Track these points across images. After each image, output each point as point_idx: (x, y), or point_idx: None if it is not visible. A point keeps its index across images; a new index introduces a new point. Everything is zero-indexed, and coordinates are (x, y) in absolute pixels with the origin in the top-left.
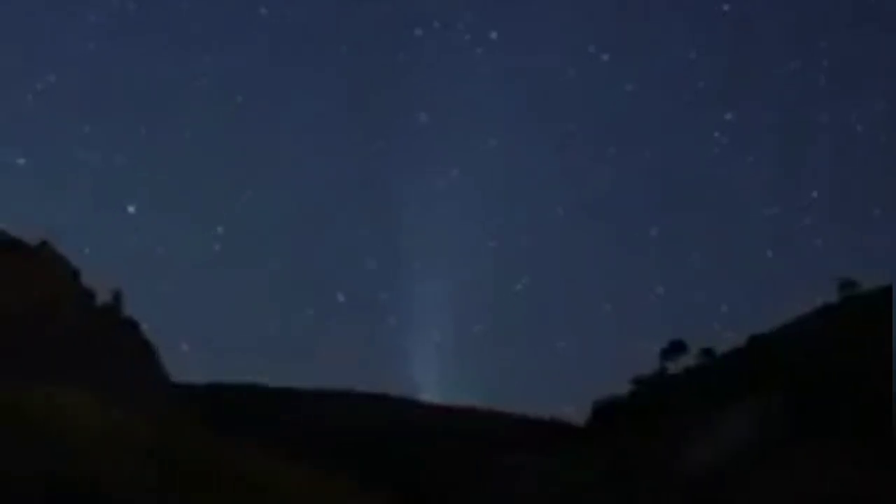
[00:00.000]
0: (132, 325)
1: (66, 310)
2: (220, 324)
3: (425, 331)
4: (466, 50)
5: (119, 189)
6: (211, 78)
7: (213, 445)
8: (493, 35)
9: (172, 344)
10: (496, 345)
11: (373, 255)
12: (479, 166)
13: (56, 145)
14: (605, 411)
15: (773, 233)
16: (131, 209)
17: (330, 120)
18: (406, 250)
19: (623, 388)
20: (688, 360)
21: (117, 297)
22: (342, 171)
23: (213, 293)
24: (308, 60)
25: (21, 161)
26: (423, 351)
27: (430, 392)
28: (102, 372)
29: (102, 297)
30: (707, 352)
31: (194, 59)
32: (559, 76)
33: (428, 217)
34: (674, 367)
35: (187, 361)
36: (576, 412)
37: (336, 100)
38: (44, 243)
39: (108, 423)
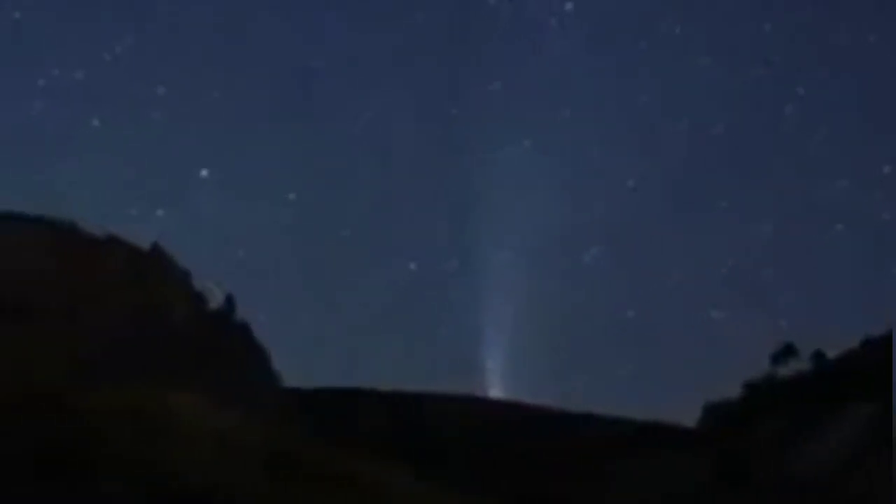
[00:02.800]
0: (244, 328)
1: (178, 313)
2: (289, 291)
3: (496, 300)
4: (541, 21)
5: (191, 152)
6: (284, 44)
7: (325, 449)
8: (569, 6)
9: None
10: (571, 321)
11: (444, 224)
12: (551, 137)
13: (130, 107)
14: (716, 414)
15: (842, 207)
16: (204, 173)
17: (403, 88)
18: (477, 219)
19: (734, 391)
20: (799, 364)
21: (229, 299)
22: (414, 138)
23: (283, 260)
24: (383, 27)
25: (95, 122)
26: (493, 321)
27: (499, 373)
28: (215, 375)
29: (214, 300)
30: (818, 355)
31: (267, 23)
32: (632, 49)
33: (499, 186)
34: (785, 370)
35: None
36: (685, 415)
37: (409, 68)
38: (156, 246)
39: (222, 426)
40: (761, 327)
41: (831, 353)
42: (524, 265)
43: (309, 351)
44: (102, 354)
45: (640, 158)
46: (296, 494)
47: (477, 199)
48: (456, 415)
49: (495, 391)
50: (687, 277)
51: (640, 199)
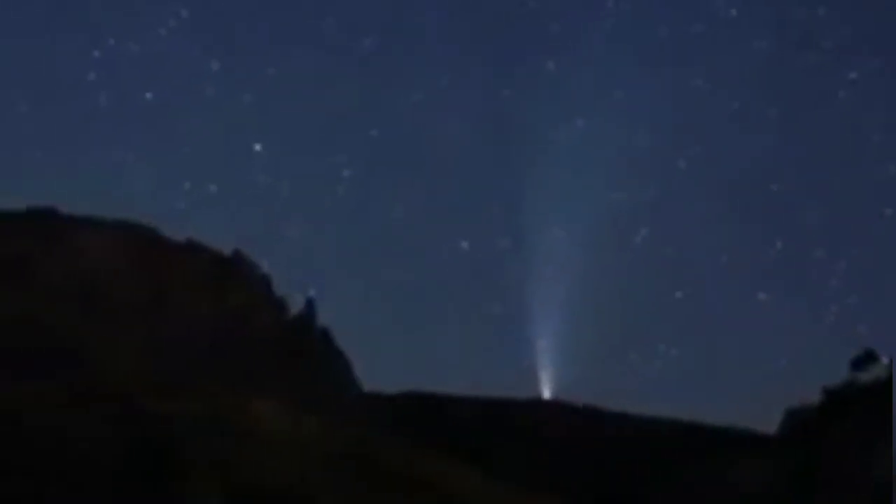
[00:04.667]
0: (325, 334)
1: (260, 319)
2: (340, 268)
3: (547, 279)
4: (595, 1)
5: (245, 127)
6: (339, 20)
7: (405, 453)
8: None
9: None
10: (621, 300)
11: (496, 203)
12: (603, 118)
13: (183, 81)
14: (796, 420)
15: (892, 192)
16: (257, 147)
17: (456, 67)
18: (530, 199)
19: (814, 396)
20: (879, 370)
21: (310, 305)
22: (467, 116)
23: (334, 236)
24: (436, 6)
25: (149, 96)
26: (544, 300)
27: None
28: (296, 380)
29: (295, 306)
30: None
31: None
32: (687, 31)
33: (550, 166)
34: (865, 376)
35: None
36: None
37: (464, 45)
38: (237, 252)
39: (303, 431)
40: (813, 314)
41: None
42: (575, 244)
43: (360, 329)
44: (185, 360)
45: (691, 140)
46: (377, 498)
47: (528, 179)
48: (532, 419)
49: (546, 370)
50: (735, 260)
51: (690, 180)
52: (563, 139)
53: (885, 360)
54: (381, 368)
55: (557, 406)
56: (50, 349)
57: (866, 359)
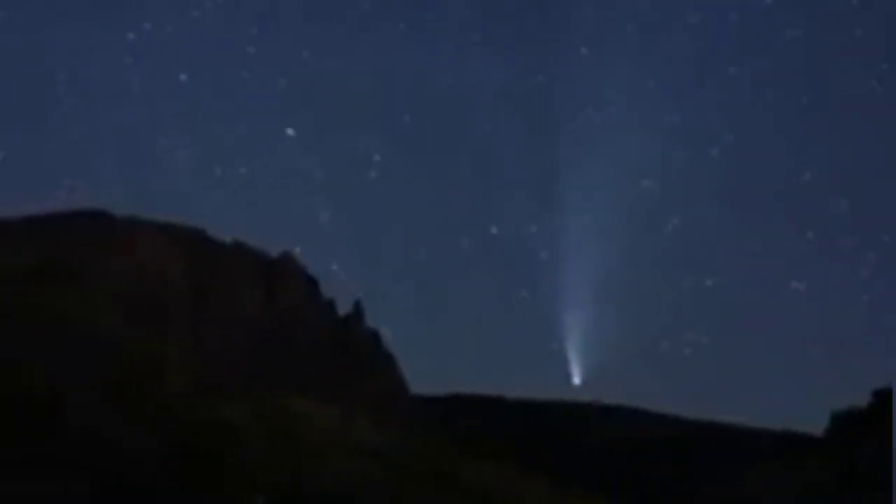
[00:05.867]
0: (373, 336)
1: (308, 320)
2: (369, 248)
3: (576, 265)
4: None
5: (278, 111)
6: (374, 4)
7: (451, 455)
8: None
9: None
10: (650, 287)
11: (527, 189)
12: (635, 105)
13: (218, 65)
14: (843, 422)
15: None
16: (290, 132)
17: (490, 50)
18: (560, 184)
19: (863, 399)
20: None
21: (358, 306)
22: (499, 102)
23: (366, 219)
24: None
25: (183, 77)
26: (574, 285)
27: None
28: (344, 382)
29: (343, 307)
30: None
31: None
32: (722, 20)
33: (583, 152)
34: None
35: (333, 280)
36: (812, 423)
37: (497, 30)
38: (286, 254)
39: (349, 432)
40: (845, 304)
41: None
42: (605, 231)
43: (386, 313)
44: (232, 361)
45: (724, 128)
46: (424, 500)
47: (559, 165)
48: (585, 422)
49: (574, 355)
50: (766, 249)
51: (722, 169)
52: (594, 126)
53: None
54: (404, 349)
55: (596, 407)
56: (97, 349)
57: None
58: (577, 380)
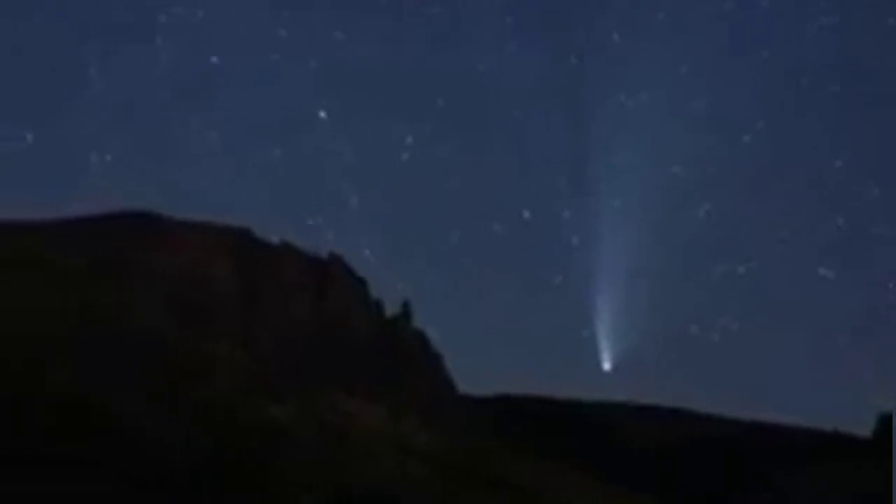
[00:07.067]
0: (421, 336)
1: (356, 321)
2: (401, 233)
3: (607, 251)
4: None
5: (310, 93)
6: None
7: (499, 455)
8: None
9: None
10: (681, 272)
11: (559, 174)
12: (667, 91)
13: (249, 47)
14: (889, 423)
15: None
16: (322, 114)
17: (523, 35)
18: (592, 169)
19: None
20: None
21: (406, 307)
22: (533, 86)
23: (397, 202)
24: None
25: (214, 60)
26: (605, 270)
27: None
28: (393, 383)
29: (391, 308)
30: None
31: None
32: (754, 6)
33: (615, 137)
34: None
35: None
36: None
37: (530, 15)
38: (334, 256)
39: (401, 433)
40: (874, 291)
41: None
42: (637, 216)
43: (416, 295)
44: (281, 362)
45: (755, 115)
46: (472, 499)
47: (591, 149)
48: (629, 422)
49: (605, 340)
50: (797, 235)
51: (754, 155)
52: (627, 111)
53: None
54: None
55: (637, 407)
56: (146, 352)
57: None
58: (607, 365)
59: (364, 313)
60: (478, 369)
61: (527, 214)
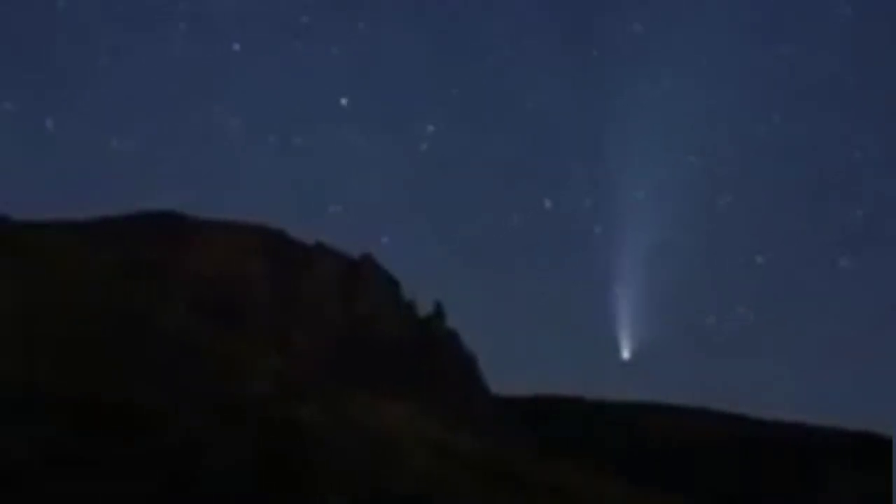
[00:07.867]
0: (454, 337)
1: (387, 322)
2: (420, 225)
3: (628, 240)
4: None
5: (332, 81)
6: None
7: (531, 456)
8: None
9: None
10: (701, 263)
11: (579, 163)
12: (689, 82)
13: (272, 35)
14: None
15: None
16: (343, 102)
17: (543, 24)
18: (612, 159)
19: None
20: None
21: (438, 308)
22: (551, 76)
23: (416, 191)
24: None
25: (236, 47)
26: (626, 260)
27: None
28: (426, 385)
29: (423, 309)
30: None
31: None
32: None
33: (636, 127)
34: None
35: (386, 251)
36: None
37: (550, 4)
38: (366, 256)
39: (434, 436)
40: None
41: None
42: (657, 207)
43: (436, 286)
44: (313, 363)
45: (775, 106)
46: (502, 501)
47: (612, 139)
48: (662, 423)
49: (624, 330)
50: (817, 227)
51: (774, 146)
52: (648, 101)
53: None
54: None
55: (685, 411)
56: (181, 352)
57: None
58: (626, 354)
59: (396, 314)
60: (499, 363)
61: (548, 204)
